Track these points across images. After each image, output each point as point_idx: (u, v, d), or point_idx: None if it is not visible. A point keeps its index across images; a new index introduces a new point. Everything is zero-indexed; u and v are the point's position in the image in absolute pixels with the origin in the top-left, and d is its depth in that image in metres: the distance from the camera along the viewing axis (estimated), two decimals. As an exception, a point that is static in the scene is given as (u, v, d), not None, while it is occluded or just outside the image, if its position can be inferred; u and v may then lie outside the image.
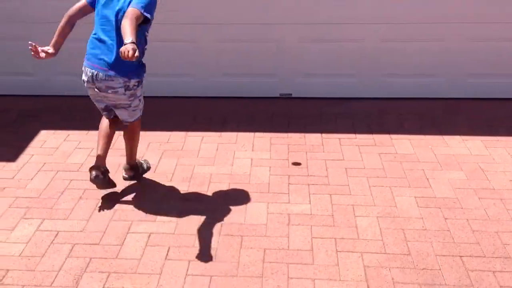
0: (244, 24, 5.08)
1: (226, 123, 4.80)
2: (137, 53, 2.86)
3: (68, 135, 4.59)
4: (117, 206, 3.61)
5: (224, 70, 5.30)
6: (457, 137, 4.48)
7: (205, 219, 3.47)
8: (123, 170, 3.92)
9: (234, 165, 4.11)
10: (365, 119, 4.85)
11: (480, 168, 4.01)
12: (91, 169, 3.51)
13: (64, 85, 5.39)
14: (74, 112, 5.05)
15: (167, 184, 3.88)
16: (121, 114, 3.59)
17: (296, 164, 4.07)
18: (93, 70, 3.33)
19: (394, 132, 4.57)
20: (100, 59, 3.31)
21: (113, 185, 3.66)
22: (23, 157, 4.23)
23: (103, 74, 3.31)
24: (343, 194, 3.72)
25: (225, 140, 4.50)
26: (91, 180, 3.49)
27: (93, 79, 3.35)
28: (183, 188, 3.82)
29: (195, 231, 3.34)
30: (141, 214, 3.52)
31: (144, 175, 3.98)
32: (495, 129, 4.59)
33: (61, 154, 4.29)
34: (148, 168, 4.02)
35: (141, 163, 3.99)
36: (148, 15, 3.17)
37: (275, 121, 4.83)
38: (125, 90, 3.39)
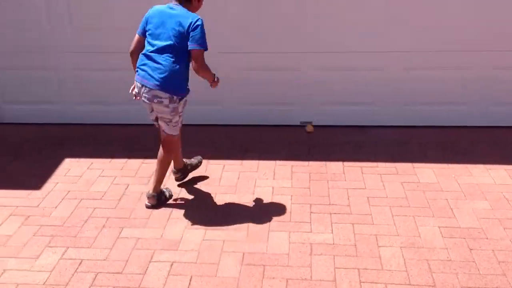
0: (266, 52, 5.14)
1: (247, 151, 4.82)
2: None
3: (92, 163, 4.65)
4: (140, 234, 3.63)
5: (245, 98, 5.34)
6: (481, 166, 4.43)
7: (227, 248, 3.46)
8: (147, 198, 3.95)
9: (255, 194, 4.11)
10: (387, 147, 4.83)
11: (505, 198, 3.96)
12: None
13: (87, 114, 5.49)
14: (97, 140, 5.12)
15: (189, 212, 3.89)
16: (162, 125, 3.81)
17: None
18: (143, 84, 3.66)
19: (417, 161, 4.54)
20: (150, 75, 3.62)
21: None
22: (48, 185, 4.29)
23: (151, 85, 3.63)
24: (365, 224, 3.69)
25: (247, 169, 4.51)
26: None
27: (141, 91, 3.69)
28: (205, 217, 3.82)
29: (217, 260, 3.34)
30: (163, 242, 3.53)
31: (166, 203, 4.00)
32: (519, 158, 4.55)
33: (84, 182, 4.34)
34: (170, 196, 4.05)
35: (163, 191, 4.02)
36: (203, 48, 3.58)
37: (296, 149, 4.83)
38: (169, 103, 3.65)
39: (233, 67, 5.23)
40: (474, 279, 3.12)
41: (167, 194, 4.04)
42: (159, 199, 3.96)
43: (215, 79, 3.78)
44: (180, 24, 3.54)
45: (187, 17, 3.55)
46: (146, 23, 3.69)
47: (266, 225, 3.70)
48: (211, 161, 4.64)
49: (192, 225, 3.73)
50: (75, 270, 3.28)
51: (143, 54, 3.68)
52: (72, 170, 4.54)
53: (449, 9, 4.88)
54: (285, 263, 3.31)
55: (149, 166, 4.56)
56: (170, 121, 3.74)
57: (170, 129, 3.79)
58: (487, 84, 5.09)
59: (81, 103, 5.49)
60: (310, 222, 3.72)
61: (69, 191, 4.19)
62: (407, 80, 5.13)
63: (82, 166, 4.61)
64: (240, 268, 3.27)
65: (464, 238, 3.49)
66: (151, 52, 3.62)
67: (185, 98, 3.78)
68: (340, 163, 4.55)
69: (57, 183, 4.33)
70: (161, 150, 3.92)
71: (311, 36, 5.05)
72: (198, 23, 3.52)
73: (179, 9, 3.60)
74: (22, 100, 5.55)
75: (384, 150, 4.78)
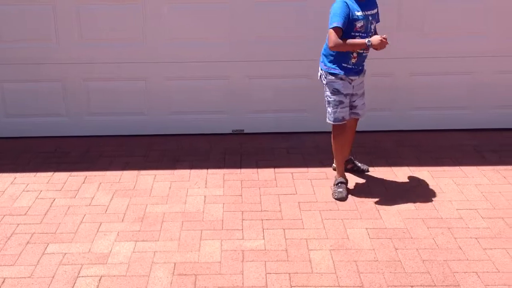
0: (194, 62, 5.14)
1: (179, 161, 4.79)
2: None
3: (15, 177, 4.48)
4: (66, 249, 3.52)
5: (174, 107, 5.31)
6: (405, 168, 4.60)
7: (158, 259, 3.42)
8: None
9: (187, 203, 4.09)
10: (317, 153, 4.93)
11: (428, 198, 4.12)
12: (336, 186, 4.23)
13: (7, 128, 5.29)
14: (20, 154, 4.94)
15: (119, 224, 3.81)
16: None
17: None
18: None
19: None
20: None
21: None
22: (-32, 202, 4.09)
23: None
24: (296, 228, 3.74)
25: (178, 178, 4.48)
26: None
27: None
28: (135, 228, 3.76)
29: (147, 272, 3.29)
30: (91, 256, 3.44)
31: (94, 216, 3.90)
32: (440, 160, 4.74)
33: (7, 197, 4.17)
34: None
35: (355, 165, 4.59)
36: (333, 25, 3.81)
37: (227, 158, 4.85)
38: (320, 77, 4.21)
39: (161, 77, 5.20)
40: (399, 278, 3.22)
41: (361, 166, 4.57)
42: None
43: (368, 44, 3.81)
44: None
45: None
46: None
47: (197, 234, 3.68)
48: (142, 172, 4.58)
49: (121, 237, 3.65)
50: (-3, 290, 3.14)
51: None
52: (-6, 185, 4.36)
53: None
54: (217, 271, 3.30)
55: (76, 178, 4.45)
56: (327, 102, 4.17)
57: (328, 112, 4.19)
58: (404, 90, 5.29)
59: (2, 116, 5.29)
60: (242, 229, 3.73)
61: (-9, 208, 4.02)
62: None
63: (4, 181, 4.42)
64: (172, 278, 3.23)
65: (390, 239, 3.61)
66: None
67: (338, 78, 4.03)
68: (271, 170, 4.60)
69: (-22, 199, 4.14)
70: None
71: (237, 46, 5.10)
72: (334, 3, 3.90)
73: None
74: None
75: (314, 155, 4.88)
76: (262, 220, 3.85)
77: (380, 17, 4.11)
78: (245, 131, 5.40)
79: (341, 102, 4.06)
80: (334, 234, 3.67)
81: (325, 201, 4.09)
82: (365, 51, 3.96)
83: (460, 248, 3.49)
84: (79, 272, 3.29)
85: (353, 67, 3.98)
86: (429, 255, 3.43)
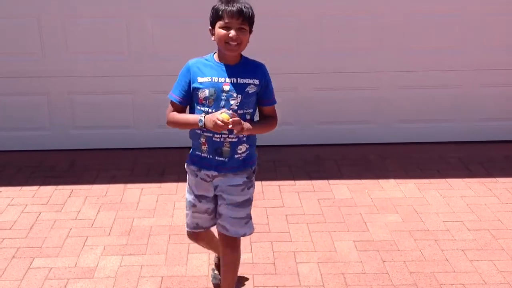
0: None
1: (165, 174, 4.77)
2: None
3: (0, 191, 4.43)
4: (53, 263, 3.48)
5: (162, 120, 5.29)
6: (392, 181, 4.63)
7: (145, 273, 3.39)
8: None
9: (175, 216, 4.07)
10: (304, 165, 4.94)
11: (415, 211, 4.15)
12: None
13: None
14: (5, 168, 4.89)
15: (105, 238, 3.78)
16: None
17: None
18: None
19: (332, 178, 4.67)
20: None
21: None
22: (-49, 217, 4.04)
23: None
24: (284, 241, 3.74)
25: (165, 191, 4.46)
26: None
27: None
28: (122, 242, 3.73)
29: (134, 286, 3.26)
30: (78, 271, 3.41)
31: (80, 230, 3.87)
32: (426, 172, 4.78)
33: (-8, 211, 4.13)
34: None
35: None
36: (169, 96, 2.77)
37: (215, 171, 4.84)
38: None
39: (148, 90, 5.20)
40: (387, 290, 3.23)
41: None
42: None
43: (200, 124, 2.62)
44: None
45: None
46: None
47: (185, 248, 3.66)
48: (129, 185, 4.55)
49: (108, 251, 3.62)
50: (-19, 306, 3.10)
51: None
52: (-22, 199, 4.31)
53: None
54: (204, 285, 3.28)
55: (62, 192, 4.41)
56: None
57: None
58: (389, 103, 5.34)
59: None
60: (230, 243, 3.72)
61: (-25, 222, 3.97)
62: (316, 100, 5.29)
63: (-11, 195, 4.38)
64: (159, 292, 3.21)
65: (378, 251, 3.62)
66: None
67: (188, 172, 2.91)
68: (258, 182, 4.60)
69: (-38, 214, 4.09)
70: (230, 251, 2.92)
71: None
72: None
73: None
74: None
75: (301, 168, 4.89)
76: (249, 233, 3.84)
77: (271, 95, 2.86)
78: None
79: (192, 205, 2.88)
80: (321, 247, 3.67)
81: (313, 214, 4.10)
82: (222, 136, 2.68)
83: (447, 260, 3.51)
84: (65, 286, 3.25)
85: (209, 156, 2.73)
86: (417, 267, 3.44)
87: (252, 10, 2.62)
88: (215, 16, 2.62)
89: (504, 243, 3.71)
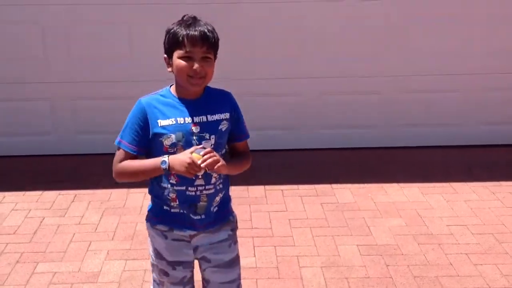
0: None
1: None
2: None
3: (4, 196, 4.44)
4: (56, 268, 3.48)
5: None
6: (395, 185, 4.62)
7: (149, 277, 3.38)
8: None
9: (178, 221, 4.07)
10: (307, 169, 4.94)
11: (418, 215, 4.14)
12: None
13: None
14: (8, 173, 4.90)
15: (109, 243, 3.78)
16: None
17: None
18: None
19: (335, 182, 4.67)
20: None
21: None
22: (-45, 222, 4.05)
23: None
24: (287, 246, 3.73)
25: (168, 196, 4.46)
26: None
27: None
28: (125, 247, 3.73)
29: (138, 291, 3.26)
30: (81, 276, 3.41)
31: (84, 234, 3.87)
32: (430, 176, 4.77)
33: (-4, 216, 4.14)
34: None
35: None
36: (116, 142, 2.33)
37: (218, 175, 4.84)
38: None
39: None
40: (391, 294, 3.22)
41: None
42: None
43: (164, 167, 2.11)
44: None
45: None
46: None
47: (188, 252, 3.66)
48: (132, 190, 4.55)
49: (111, 256, 3.63)
50: (-15, 310, 3.10)
51: None
52: (-18, 204, 4.32)
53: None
54: (208, 289, 3.28)
55: (66, 197, 4.42)
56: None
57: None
58: (393, 107, 5.34)
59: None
60: (233, 247, 3.71)
61: (-22, 227, 3.98)
62: (320, 104, 5.30)
63: (-7, 200, 4.39)
64: (162, 297, 3.21)
65: (381, 255, 3.61)
66: None
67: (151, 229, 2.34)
68: (261, 187, 4.60)
69: (-34, 219, 4.10)
70: None
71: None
72: None
73: None
74: None
75: (304, 172, 4.89)
76: (253, 237, 3.84)
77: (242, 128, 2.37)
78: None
79: (164, 274, 2.32)
80: (325, 251, 3.66)
81: (316, 218, 4.10)
82: (198, 188, 2.18)
83: (451, 264, 3.50)
84: (69, 291, 3.26)
85: (181, 211, 2.22)
86: (420, 272, 3.43)
87: (216, 33, 2.13)
88: (172, 43, 2.14)
89: (508, 246, 3.69)
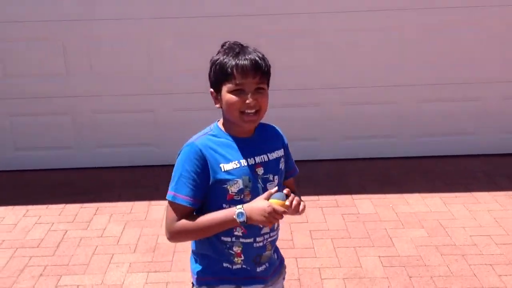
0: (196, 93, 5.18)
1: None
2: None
3: (28, 210, 4.50)
4: (80, 281, 3.51)
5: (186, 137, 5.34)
6: (416, 195, 4.58)
7: (171, 290, 3.41)
8: None
9: (199, 233, 4.08)
10: (327, 180, 4.93)
11: (441, 225, 4.10)
12: None
13: (17, 161, 5.34)
14: (31, 187, 4.97)
15: (131, 255, 3.81)
16: None
17: None
18: None
19: (355, 193, 4.65)
20: None
21: None
22: (-20, 235, 4.11)
23: None
24: (308, 257, 3.72)
25: (189, 208, 4.48)
26: None
27: None
28: (147, 259, 3.75)
29: (160, 304, 3.28)
30: (104, 288, 3.44)
31: (106, 247, 3.90)
32: (451, 186, 4.73)
33: (20, 230, 4.18)
34: None
35: None
36: (169, 198, 1.92)
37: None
38: None
39: (170, 109, 5.25)
40: (415, 306, 3.19)
41: None
42: None
43: (241, 220, 1.85)
44: None
45: None
46: None
47: (210, 264, 3.66)
48: (153, 202, 4.58)
49: (133, 268, 3.65)
50: (11, 323, 3.13)
51: None
52: (6, 218, 4.37)
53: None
54: (230, 301, 3.27)
55: (88, 210, 4.46)
56: None
57: None
58: (412, 117, 5.31)
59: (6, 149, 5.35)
60: (254, 259, 3.71)
61: (3, 241, 4.03)
62: (340, 115, 5.29)
63: (17, 213, 4.44)
64: (185, 310, 3.22)
65: (404, 266, 3.58)
66: None
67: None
68: (281, 198, 4.59)
69: (-9, 232, 4.16)
70: None
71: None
72: (179, 151, 1.98)
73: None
74: None
75: (324, 183, 4.88)
76: (274, 249, 3.83)
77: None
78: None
79: None
80: (347, 263, 3.64)
81: (337, 229, 4.08)
82: (264, 237, 2.00)
83: (475, 275, 3.45)
84: (92, 304, 3.29)
85: (245, 267, 1.99)
86: (444, 283, 3.39)
87: (267, 60, 1.91)
88: (220, 76, 1.87)
89: (533, 257, 3.64)
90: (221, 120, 1.99)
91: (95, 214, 4.42)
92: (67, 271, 3.64)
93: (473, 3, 5.02)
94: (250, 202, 1.87)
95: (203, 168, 1.87)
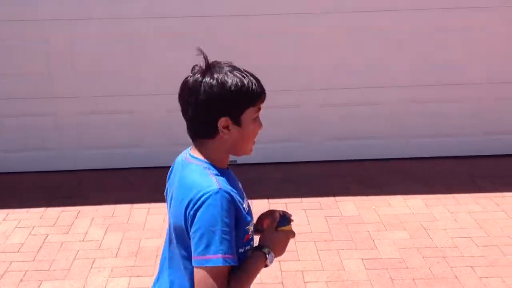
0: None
1: (172, 193, 4.77)
2: None
3: (7, 214, 4.44)
4: (61, 286, 3.48)
5: (173, 139, 5.31)
6: (398, 197, 4.61)
7: (153, 295, 3.38)
8: None
9: (182, 236, 4.06)
10: (310, 182, 4.94)
11: (422, 227, 4.13)
12: None
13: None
14: (12, 190, 4.91)
15: (113, 260, 3.78)
16: None
17: None
18: None
19: (338, 194, 4.67)
20: None
21: None
22: (-41, 240, 4.05)
23: None
24: (291, 260, 3.72)
25: (172, 211, 4.46)
26: None
27: None
28: (129, 264, 3.73)
29: (143, 309, 3.26)
30: (86, 293, 3.41)
31: (88, 251, 3.87)
32: (433, 188, 4.76)
33: (0, 234, 4.13)
34: None
35: None
36: (210, 263, 1.58)
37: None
38: None
39: (160, 110, 5.22)
40: (397, 309, 3.21)
41: None
42: None
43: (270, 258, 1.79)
44: (180, 204, 1.68)
45: (190, 189, 1.66)
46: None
47: (192, 268, 3.65)
48: (135, 205, 4.55)
49: (116, 273, 3.62)
50: (-10, 330, 3.09)
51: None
52: (-14, 222, 4.32)
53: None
54: (213, 306, 3.26)
55: (69, 214, 4.42)
56: None
57: None
58: (394, 119, 5.34)
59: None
60: (237, 262, 3.71)
61: (-18, 245, 3.98)
62: (321, 116, 5.30)
63: (-3, 217, 4.39)
64: (167, 314, 3.19)
65: (386, 269, 3.60)
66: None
67: None
68: (265, 200, 4.60)
69: (-30, 237, 4.10)
70: None
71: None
72: (203, 201, 1.59)
73: (191, 164, 1.74)
74: None
75: (307, 185, 4.88)
76: (257, 252, 3.83)
77: None
78: (238, 162, 5.39)
79: None
80: (330, 266, 3.65)
81: (320, 232, 4.09)
82: None
83: (456, 277, 3.49)
84: (73, 310, 3.25)
85: None
86: (426, 285, 3.42)
87: None
88: (247, 101, 1.62)
89: (513, 259, 3.69)
90: (198, 151, 1.68)
91: (76, 217, 4.38)
92: (48, 276, 3.60)
93: (464, 5, 5.06)
94: (266, 238, 1.73)
95: (236, 217, 1.62)
